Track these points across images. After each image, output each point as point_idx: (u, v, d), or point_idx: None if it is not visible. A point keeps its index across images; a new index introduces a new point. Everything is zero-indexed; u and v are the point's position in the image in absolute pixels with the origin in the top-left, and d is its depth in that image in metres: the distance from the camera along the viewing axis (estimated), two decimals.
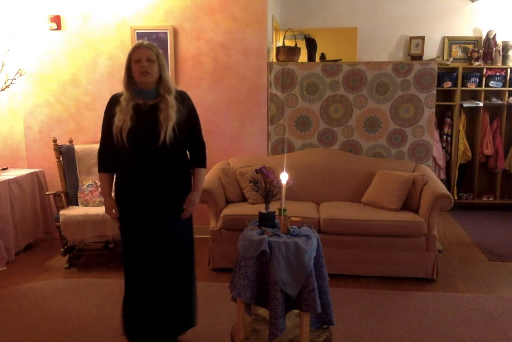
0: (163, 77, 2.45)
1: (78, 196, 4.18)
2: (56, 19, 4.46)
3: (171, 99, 2.44)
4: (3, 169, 4.49)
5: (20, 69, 4.44)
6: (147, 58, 2.39)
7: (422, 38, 5.72)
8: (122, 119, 2.40)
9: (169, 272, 2.53)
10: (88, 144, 4.38)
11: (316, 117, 4.50)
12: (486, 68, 5.56)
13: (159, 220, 2.49)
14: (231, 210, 3.82)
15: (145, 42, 2.46)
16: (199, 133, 2.62)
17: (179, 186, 2.54)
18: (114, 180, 2.59)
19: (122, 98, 2.44)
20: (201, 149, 2.63)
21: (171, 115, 2.40)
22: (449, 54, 5.80)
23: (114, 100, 2.49)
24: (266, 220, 2.37)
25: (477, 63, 5.59)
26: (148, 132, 2.41)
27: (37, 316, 3.07)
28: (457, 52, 5.81)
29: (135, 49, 2.42)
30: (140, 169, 2.45)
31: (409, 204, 3.84)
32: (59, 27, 4.48)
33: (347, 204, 4.02)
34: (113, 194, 2.58)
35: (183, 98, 2.53)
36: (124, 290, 2.59)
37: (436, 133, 5.52)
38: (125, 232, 2.56)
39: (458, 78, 5.57)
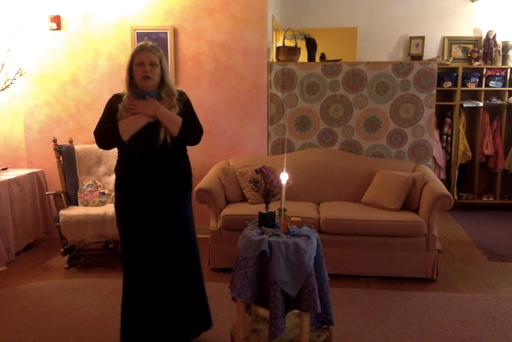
0: (166, 80, 2.46)
1: (78, 196, 4.18)
2: (56, 19, 4.46)
3: (174, 101, 2.46)
4: (3, 169, 4.49)
5: (20, 69, 4.44)
6: (150, 63, 2.38)
7: (422, 38, 5.73)
8: (125, 118, 2.40)
9: (175, 272, 2.52)
10: (88, 144, 4.38)
11: (316, 117, 4.50)
12: (486, 68, 5.56)
13: (161, 220, 2.49)
14: (231, 210, 3.82)
15: (149, 44, 2.44)
16: (195, 118, 2.55)
17: (180, 185, 2.55)
18: (115, 180, 2.57)
19: (125, 98, 2.45)
20: (194, 130, 2.54)
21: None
22: (449, 54, 5.80)
23: (116, 98, 2.50)
24: (266, 220, 2.37)
25: (477, 63, 5.59)
26: (149, 133, 2.40)
27: (37, 316, 3.07)
28: (457, 52, 5.81)
29: (139, 51, 2.40)
30: (142, 170, 2.45)
31: (409, 204, 3.84)
32: (59, 27, 4.48)
33: (347, 204, 4.02)
34: (113, 194, 2.57)
35: (181, 96, 2.54)
36: (123, 297, 2.55)
37: (436, 133, 5.52)
38: (128, 234, 2.53)
39: (458, 78, 5.58)
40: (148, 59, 2.38)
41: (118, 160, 2.57)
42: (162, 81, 2.45)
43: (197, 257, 2.64)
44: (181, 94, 2.56)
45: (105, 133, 2.43)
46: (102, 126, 2.45)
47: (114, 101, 2.48)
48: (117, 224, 2.58)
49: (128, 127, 2.39)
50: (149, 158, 2.44)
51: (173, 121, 2.43)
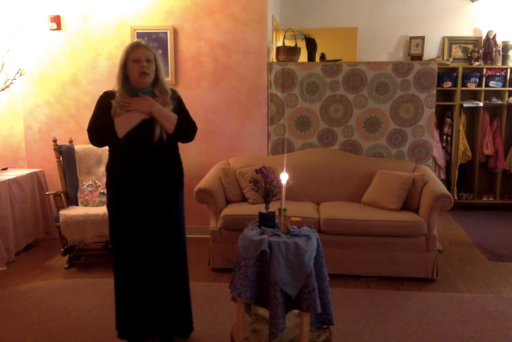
0: (159, 78, 2.46)
1: (78, 196, 4.18)
2: (56, 19, 4.46)
3: (167, 99, 2.47)
4: (3, 169, 4.49)
5: (20, 69, 4.44)
6: (146, 59, 2.38)
7: (422, 38, 5.73)
8: (119, 115, 2.38)
9: (163, 270, 2.52)
10: (88, 144, 4.36)
11: (316, 117, 4.50)
12: (486, 68, 5.56)
13: (153, 218, 2.49)
14: (231, 210, 3.82)
15: (143, 42, 2.45)
16: (189, 116, 2.58)
17: (173, 184, 2.55)
18: (107, 178, 2.56)
19: (117, 95, 2.43)
20: (189, 128, 2.56)
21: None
22: (449, 54, 5.80)
23: (107, 96, 2.47)
24: (266, 220, 2.36)
25: (477, 63, 5.59)
26: (144, 130, 2.40)
27: (37, 316, 3.07)
28: (457, 52, 5.81)
29: (134, 48, 2.40)
30: (137, 167, 2.44)
31: (409, 204, 3.84)
32: (59, 27, 4.48)
33: (347, 204, 4.02)
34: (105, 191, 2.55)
35: (174, 94, 2.55)
36: (115, 291, 2.58)
37: (436, 133, 5.52)
38: (119, 231, 2.52)
39: (458, 78, 5.57)
40: (145, 55, 2.38)
41: (109, 158, 2.55)
42: (156, 78, 2.45)
43: (184, 257, 2.63)
44: (173, 92, 2.56)
45: (100, 130, 2.40)
46: (96, 123, 2.42)
47: (105, 99, 2.45)
48: (108, 222, 2.57)
49: (123, 124, 2.37)
50: (144, 155, 2.43)
51: (168, 118, 2.43)
